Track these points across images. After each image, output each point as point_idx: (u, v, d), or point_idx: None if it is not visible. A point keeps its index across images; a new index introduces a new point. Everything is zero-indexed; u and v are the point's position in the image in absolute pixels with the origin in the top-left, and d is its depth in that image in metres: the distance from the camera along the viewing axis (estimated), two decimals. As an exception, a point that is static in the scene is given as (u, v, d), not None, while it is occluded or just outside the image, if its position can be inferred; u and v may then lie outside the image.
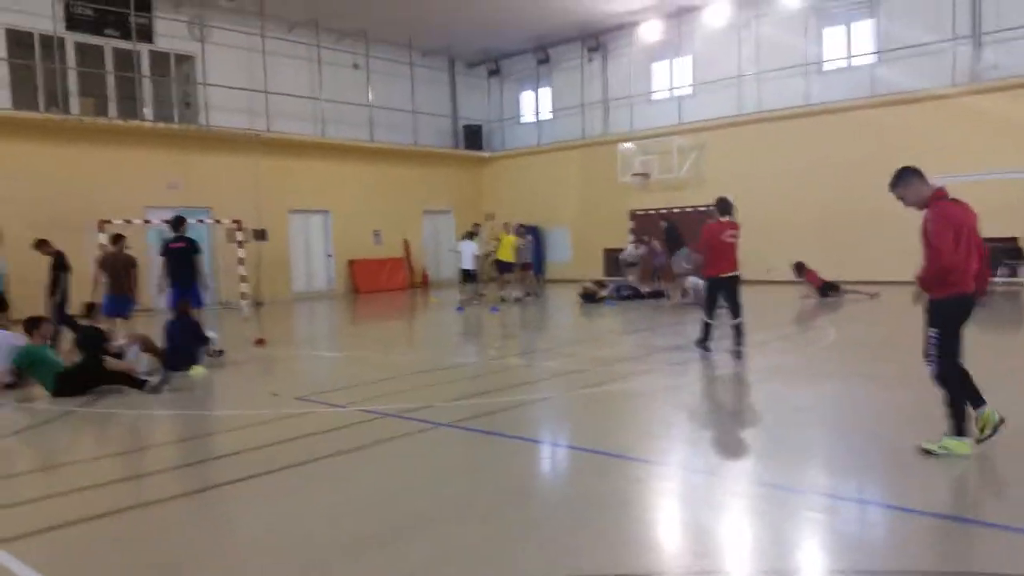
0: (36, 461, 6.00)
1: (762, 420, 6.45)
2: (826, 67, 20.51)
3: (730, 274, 9.17)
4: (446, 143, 27.07)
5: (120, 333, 10.38)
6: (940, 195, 4.94)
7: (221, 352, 10.16)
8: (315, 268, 23.35)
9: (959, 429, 4.91)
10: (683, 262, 17.48)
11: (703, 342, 9.36)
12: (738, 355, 8.91)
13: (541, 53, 25.60)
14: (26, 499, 4.74)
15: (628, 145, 22.96)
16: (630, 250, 19.05)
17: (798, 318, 13.64)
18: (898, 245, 18.62)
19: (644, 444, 5.75)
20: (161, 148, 19.43)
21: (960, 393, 4.92)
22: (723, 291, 9.25)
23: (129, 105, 19.65)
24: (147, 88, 20.18)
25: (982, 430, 4.93)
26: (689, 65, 22.86)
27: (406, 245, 25.20)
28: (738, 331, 9.06)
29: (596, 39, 24.33)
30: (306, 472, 5.14)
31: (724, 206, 9.51)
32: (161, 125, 19.53)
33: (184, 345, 9.49)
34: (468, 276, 18.12)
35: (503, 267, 18.13)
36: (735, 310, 9.18)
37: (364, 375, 8.98)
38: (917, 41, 18.27)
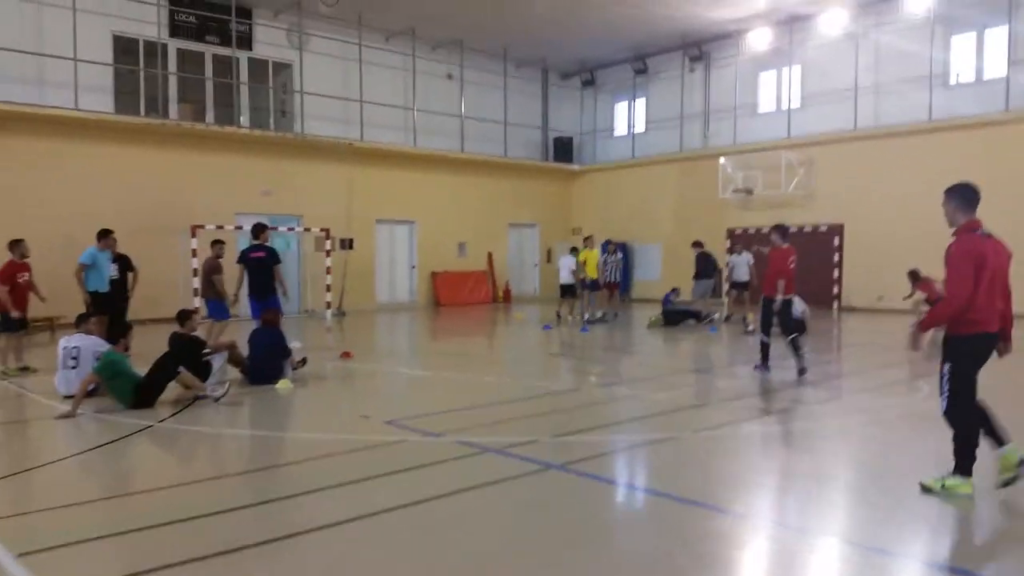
0: (110, 485, 5.48)
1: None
2: (954, 79, 18.85)
3: (790, 296, 9.77)
4: (535, 155, 26.43)
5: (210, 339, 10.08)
6: (971, 226, 4.70)
7: (304, 361, 9.66)
8: (398, 279, 23.02)
9: (964, 469, 4.71)
10: (703, 291, 16.86)
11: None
12: (802, 372, 9.29)
13: (639, 63, 24.70)
14: (96, 534, 4.17)
15: (726, 159, 21.74)
16: (735, 261, 17.55)
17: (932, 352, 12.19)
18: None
19: (801, 508, 4.80)
20: (255, 155, 19.43)
21: (969, 433, 4.71)
22: (781, 311, 9.69)
23: (226, 112, 19.77)
24: (244, 95, 20.28)
25: (1002, 473, 4.73)
26: (799, 76, 21.53)
27: (490, 258, 24.64)
28: (795, 346, 9.46)
29: (699, 48, 23.26)
30: (406, 519, 4.40)
31: (784, 232, 10.05)
32: (257, 132, 19.57)
33: (268, 357, 9.02)
34: (567, 291, 17.35)
35: (587, 284, 17.29)
36: (790, 327, 9.62)
37: (456, 398, 8.26)
38: (1063, 50, 16.54)
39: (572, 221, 26.58)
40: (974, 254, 4.56)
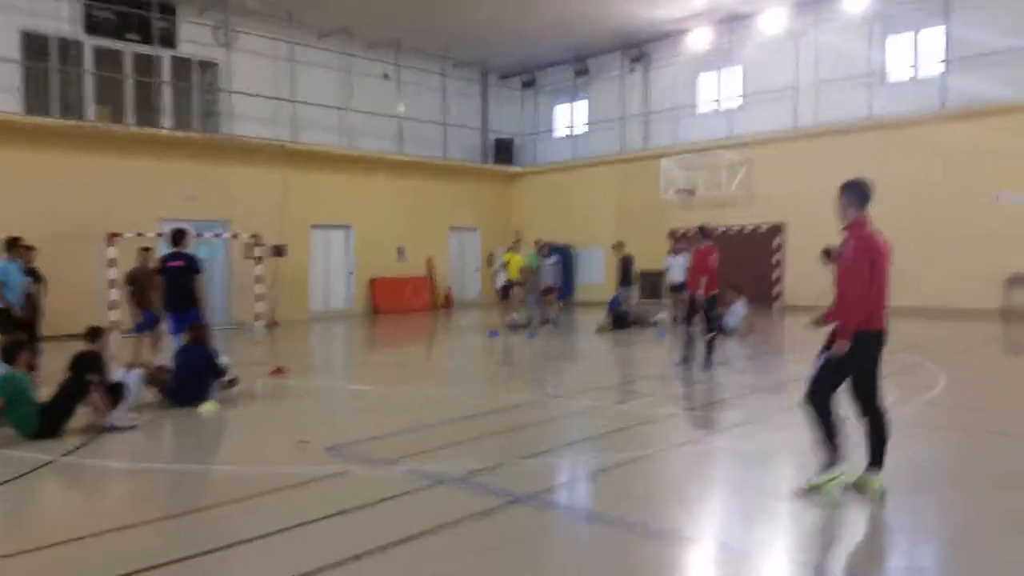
0: (-3, 536, 4.65)
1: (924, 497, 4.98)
2: (891, 78, 19.06)
3: (714, 293, 10.38)
4: (475, 157, 25.84)
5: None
6: (862, 222, 4.76)
7: (234, 382, 8.82)
8: (334, 286, 22.08)
9: (835, 459, 4.73)
10: (629, 296, 16.93)
11: (710, 360, 10.19)
12: (709, 364, 10.13)
13: (579, 64, 24.38)
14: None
15: (667, 160, 21.51)
16: (671, 263, 17.20)
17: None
18: (967, 273, 17.22)
19: (793, 538, 4.33)
20: (179, 158, 18.30)
21: (834, 420, 4.74)
22: (706, 308, 10.40)
23: (148, 113, 18.56)
24: (167, 95, 19.10)
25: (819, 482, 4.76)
26: (739, 76, 21.51)
27: (430, 263, 23.93)
28: (711, 345, 10.29)
29: (639, 49, 23.06)
30: None
31: (706, 232, 10.50)
32: (180, 133, 18.41)
33: (194, 376, 8.18)
34: (506, 294, 16.83)
35: (509, 286, 16.63)
36: (712, 325, 10.44)
37: (404, 417, 7.58)
38: (996, 48, 16.77)
39: (513, 224, 26.01)
40: (872, 251, 4.63)
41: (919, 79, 18.54)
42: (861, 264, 4.60)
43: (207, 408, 7.86)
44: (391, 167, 22.53)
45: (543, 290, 17.00)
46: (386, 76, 22.72)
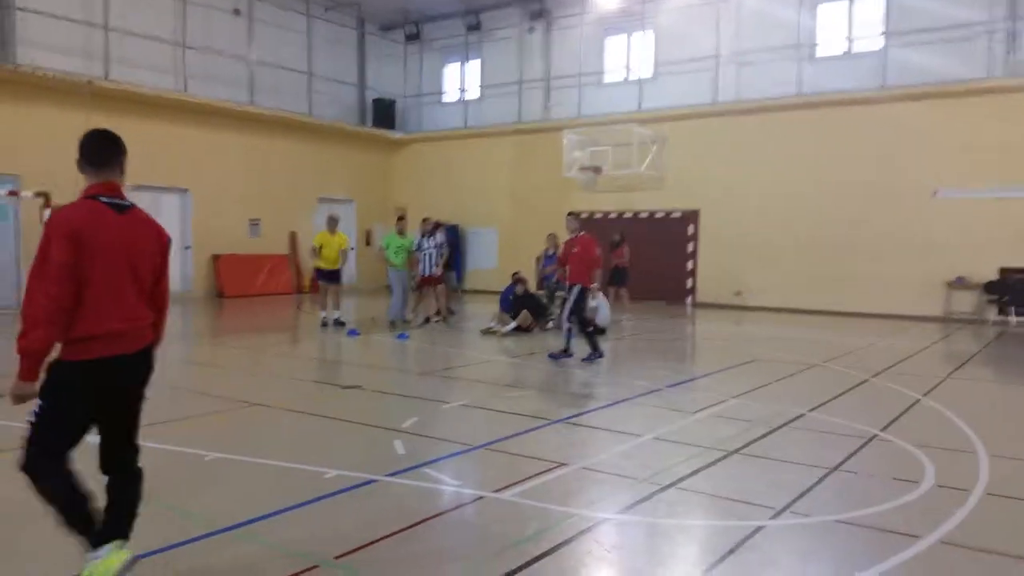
0: None
1: None
2: (822, 51, 17.02)
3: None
4: (350, 118, 22.24)
5: None
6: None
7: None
8: (168, 263, 18.03)
9: (93, 541, 2.99)
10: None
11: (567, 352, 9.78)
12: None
13: (472, 18, 21.26)
14: None
15: (570, 134, 18.69)
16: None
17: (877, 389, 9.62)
18: (905, 276, 15.43)
19: None
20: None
21: (72, 495, 2.95)
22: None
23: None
24: (-65, 7, 14.54)
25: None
26: (652, 42, 18.98)
27: (293, 239, 20.29)
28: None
29: (539, 4, 20.16)
30: None
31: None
32: (-50, 59, 13.94)
33: None
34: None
35: (327, 276, 12.82)
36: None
37: (216, 513, 4.26)
38: (940, 22, 14.96)
39: (395, 198, 22.74)
40: (68, 227, 2.95)
41: (854, 53, 16.57)
42: (51, 244, 2.90)
43: None
44: (241, 121, 18.65)
45: (419, 281, 13.62)
46: (237, 12, 18.73)
